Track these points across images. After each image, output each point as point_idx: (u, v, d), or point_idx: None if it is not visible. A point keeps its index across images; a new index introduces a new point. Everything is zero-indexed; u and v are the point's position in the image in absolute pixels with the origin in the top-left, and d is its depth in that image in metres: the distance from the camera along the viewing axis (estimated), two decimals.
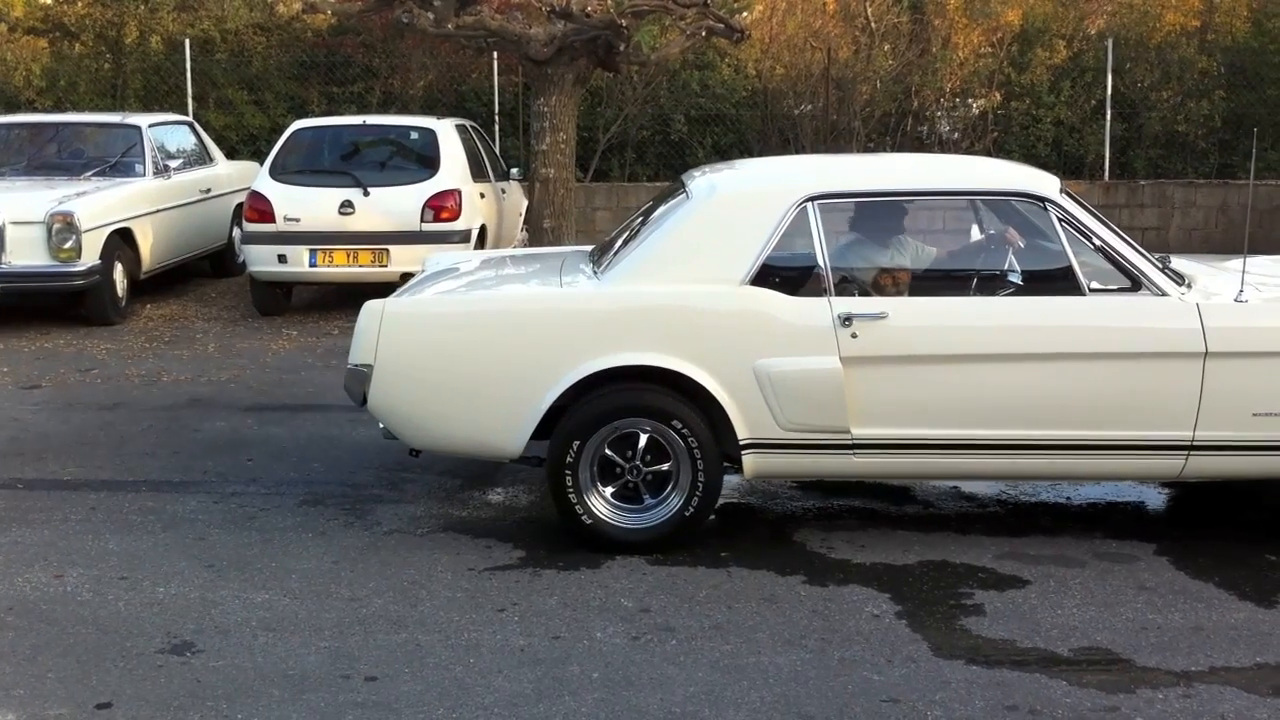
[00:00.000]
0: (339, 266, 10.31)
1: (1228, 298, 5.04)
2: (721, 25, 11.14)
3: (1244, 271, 5.13)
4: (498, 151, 13.18)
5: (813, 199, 5.14)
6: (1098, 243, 5.08)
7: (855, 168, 5.99)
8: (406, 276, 9.81)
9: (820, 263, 5.08)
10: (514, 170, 12.27)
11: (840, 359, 4.95)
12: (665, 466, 5.09)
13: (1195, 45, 16.02)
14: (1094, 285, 5.03)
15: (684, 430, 5.00)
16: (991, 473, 5.43)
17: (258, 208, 10.40)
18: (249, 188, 10.83)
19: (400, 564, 5.02)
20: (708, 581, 4.83)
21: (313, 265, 10.30)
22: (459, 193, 10.36)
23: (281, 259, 10.28)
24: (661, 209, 5.56)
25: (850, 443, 5.02)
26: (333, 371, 8.55)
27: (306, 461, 6.45)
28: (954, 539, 5.30)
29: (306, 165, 10.87)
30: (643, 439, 5.06)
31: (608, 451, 5.08)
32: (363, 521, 5.53)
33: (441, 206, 10.24)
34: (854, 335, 4.95)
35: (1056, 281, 5.08)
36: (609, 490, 5.12)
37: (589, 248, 6.27)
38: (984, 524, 5.51)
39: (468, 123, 12.10)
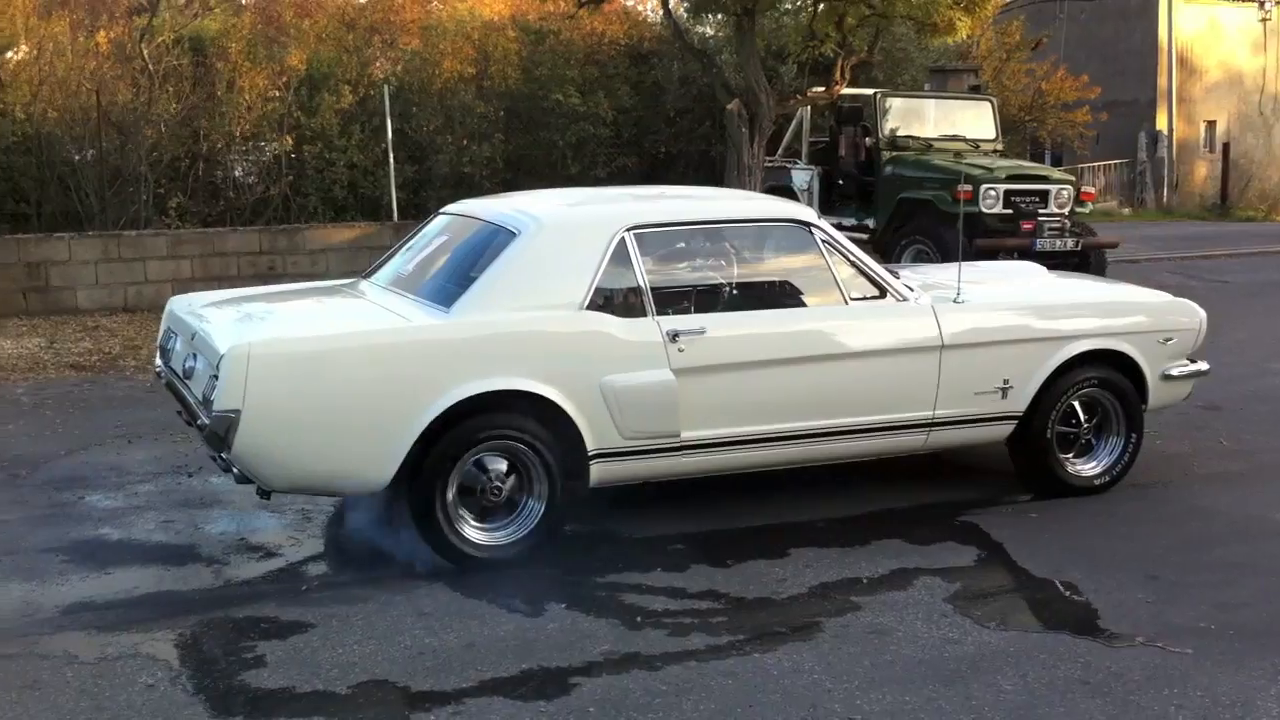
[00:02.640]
0: None
1: (950, 298, 6.05)
2: None
3: (960, 279, 6.18)
4: None
5: (631, 229, 5.56)
6: (851, 258, 5.96)
7: (660, 202, 6.53)
8: None
9: (642, 285, 5.50)
10: None
11: (672, 370, 5.35)
12: (520, 485, 5.33)
13: (473, 92, 17.00)
14: (853, 295, 5.86)
15: (541, 448, 5.27)
16: (794, 459, 5.88)
17: None
18: None
19: None
20: None
21: None
22: None
23: None
24: (461, 241, 5.98)
25: (680, 445, 5.45)
26: None
27: None
28: (236, 591, 5.13)
29: None
30: (501, 462, 5.28)
31: (472, 469, 5.25)
32: None
33: None
34: (681, 349, 5.40)
35: (825, 292, 5.89)
36: (471, 513, 5.28)
37: (351, 280, 6.56)
38: (262, 571, 5.39)
39: None
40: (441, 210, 6.66)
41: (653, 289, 5.59)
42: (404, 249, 6.46)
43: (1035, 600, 5.13)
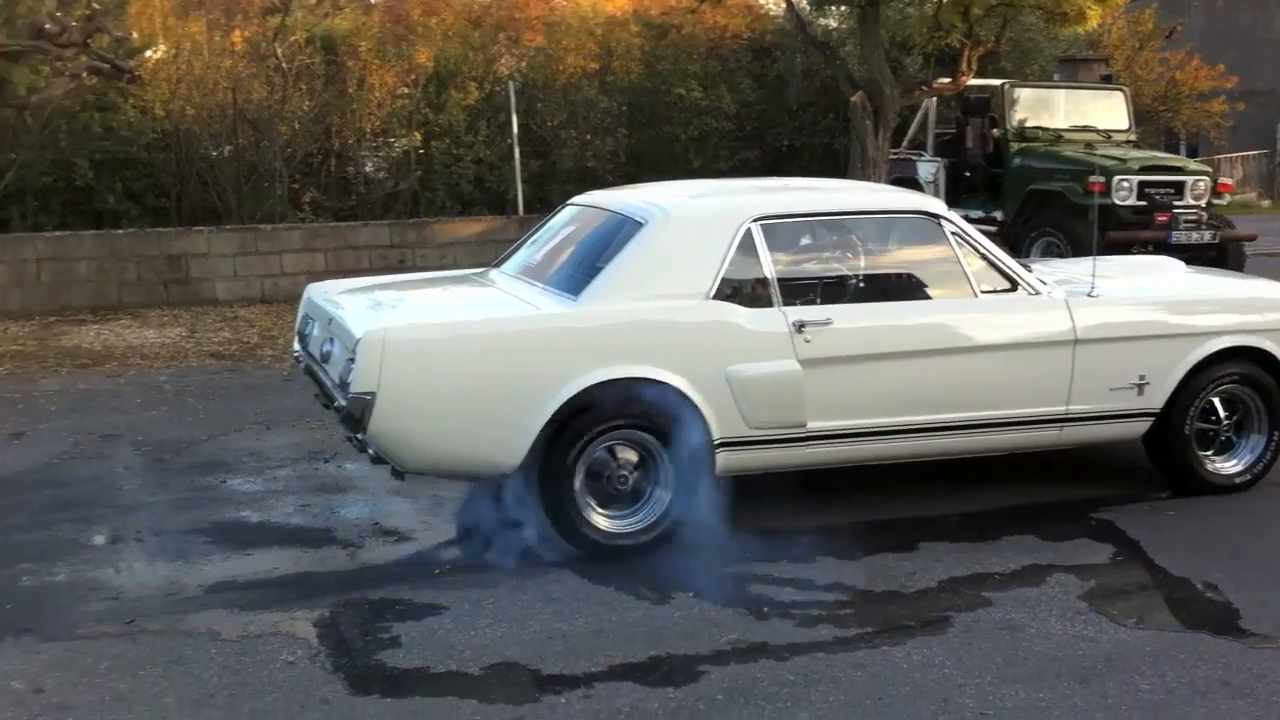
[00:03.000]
0: None
1: (1084, 293, 5.92)
2: (107, 66, 10.50)
3: (1094, 273, 6.08)
4: None
5: (758, 220, 5.56)
6: (982, 250, 5.90)
7: (787, 193, 6.50)
8: None
9: (768, 276, 5.50)
10: None
11: (798, 361, 5.36)
12: (647, 473, 5.37)
13: (596, 87, 17.10)
14: (983, 288, 5.79)
15: (667, 436, 5.29)
16: (922, 453, 5.86)
17: None
18: None
19: None
20: (110, 652, 4.47)
21: None
22: None
23: None
24: (588, 231, 6.02)
25: (806, 436, 5.45)
26: None
27: None
28: (371, 573, 5.25)
29: None
30: (629, 450, 5.35)
31: (600, 457, 5.31)
32: None
33: None
34: (807, 340, 5.39)
35: (954, 285, 5.82)
36: (599, 500, 5.34)
37: (481, 270, 6.68)
38: (396, 555, 5.51)
39: None
40: (569, 201, 6.73)
41: (779, 279, 5.58)
42: (532, 239, 6.55)
43: (1173, 599, 5.01)
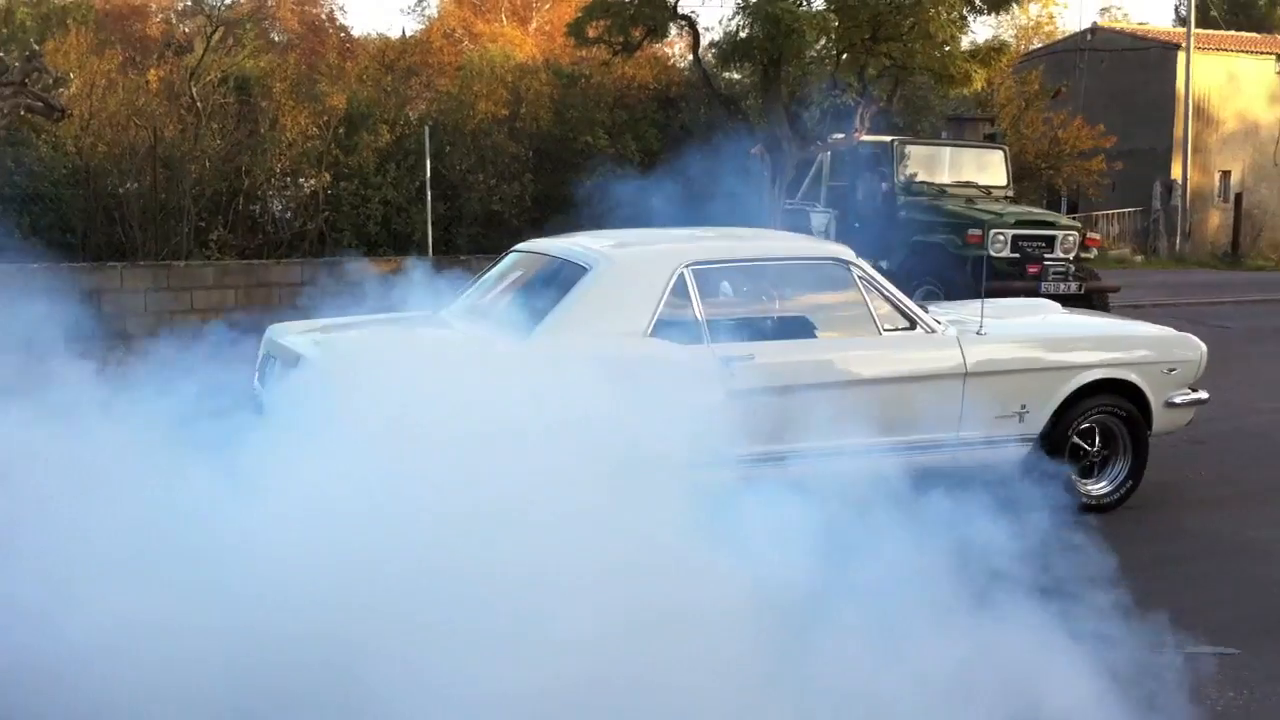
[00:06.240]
0: None
1: (973, 331, 6.50)
2: (40, 104, 10.75)
3: (982, 313, 6.67)
4: None
5: (690, 265, 6.08)
6: (885, 293, 6.47)
7: (715, 241, 6.95)
8: None
9: (699, 316, 6.00)
10: None
11: (726, 393, 5.71)
12: None
13: (506, 132, 17.56)
14: (886, 326, 6.34)
15: None
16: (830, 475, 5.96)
17: None
18: None
19: None
20: None
21: None
22: None
23: None
24: (533, 276, 6.48)
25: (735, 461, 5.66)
26: None
27: None
28: None
29: None
30: None
31: None
32: None
33: None
34: (733, 374, 5.83)
35: (861, 324, 6.39)
36: None
37: (432, 312, 6.82)
38: None
39: None
40: (513, 248, 7.21)
41: (708, 320, 6.08)
42: (479, 283, 6.98)
43: None
